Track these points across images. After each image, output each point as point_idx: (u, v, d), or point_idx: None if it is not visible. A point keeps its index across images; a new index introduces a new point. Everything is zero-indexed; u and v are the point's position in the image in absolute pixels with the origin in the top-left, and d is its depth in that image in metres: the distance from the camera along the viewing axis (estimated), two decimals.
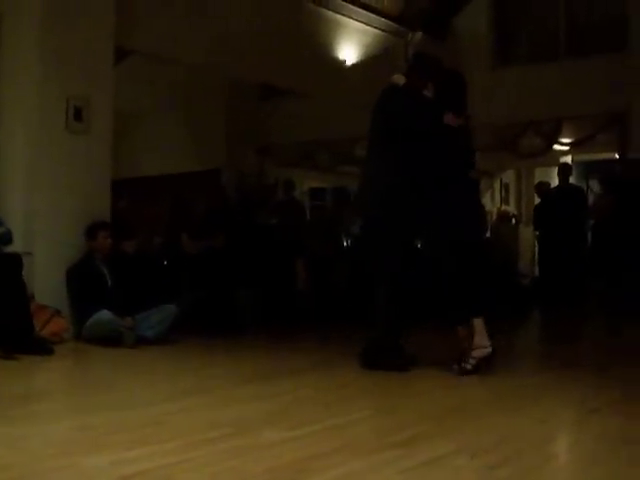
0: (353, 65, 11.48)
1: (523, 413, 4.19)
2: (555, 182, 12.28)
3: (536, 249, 13.44)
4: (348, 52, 11.44)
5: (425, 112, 5.42)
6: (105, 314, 6.70)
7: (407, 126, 5.35)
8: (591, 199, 12.19)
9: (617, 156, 13.27)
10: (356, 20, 11.53)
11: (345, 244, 10.49)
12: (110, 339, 6.56)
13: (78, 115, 7.30)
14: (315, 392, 4.79)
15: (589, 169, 14.76)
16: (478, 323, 5.23)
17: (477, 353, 5.16)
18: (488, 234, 12.00)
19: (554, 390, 4.93)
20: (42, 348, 5.96)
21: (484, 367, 5.19)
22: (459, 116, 5.42)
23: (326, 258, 9.80)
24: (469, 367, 5.16)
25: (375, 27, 11.94)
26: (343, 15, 11.30)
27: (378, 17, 11.92)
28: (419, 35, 12.51)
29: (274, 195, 12.28)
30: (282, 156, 13.81)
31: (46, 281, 6.96)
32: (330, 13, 11.12)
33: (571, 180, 11.87)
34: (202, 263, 8.28)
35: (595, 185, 13.42)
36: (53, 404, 4.45)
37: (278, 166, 13.91)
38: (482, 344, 5.16)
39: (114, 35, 7.68)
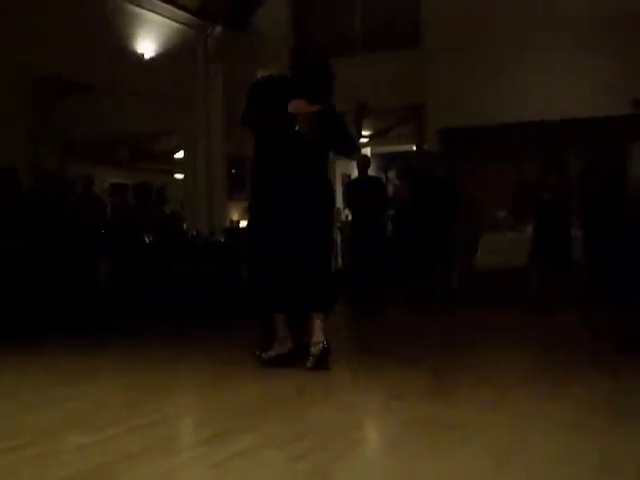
0: (153, 59, 11.31)
1: (329, 403, 4.26)
2: (355, 174, 12.53)
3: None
4: (148, 46, 11.27)
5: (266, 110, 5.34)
6: None
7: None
8: (390, 189, 12.51)
9: (414, 148, 13.83)
10: (156, 13, 11.37)
11: (148, 241, 10.28)
12: None
13: None
14: (119, 392, 4.68)
15: (387, 161, 15.24)
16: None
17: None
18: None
19: (360, 379, 5.04)
20: None
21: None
22: (316, 103, 5.36)
23: (130, 255, 9.59)
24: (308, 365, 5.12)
25: (175, 21, 11.83)
26: (143, 8, 11.12)
27: (178, 10, 11.81)
28: (219, 29, 12.53)
29: (71, 192, 11.87)
30: (83, 153, 13.47)
31: None
32: (130, 6, 10.91)
33: (370, 172, 12.14)
34: None
35: (393, 175, 13.85)
36: None
37: (79, 163, 13.54)
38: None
39: None
